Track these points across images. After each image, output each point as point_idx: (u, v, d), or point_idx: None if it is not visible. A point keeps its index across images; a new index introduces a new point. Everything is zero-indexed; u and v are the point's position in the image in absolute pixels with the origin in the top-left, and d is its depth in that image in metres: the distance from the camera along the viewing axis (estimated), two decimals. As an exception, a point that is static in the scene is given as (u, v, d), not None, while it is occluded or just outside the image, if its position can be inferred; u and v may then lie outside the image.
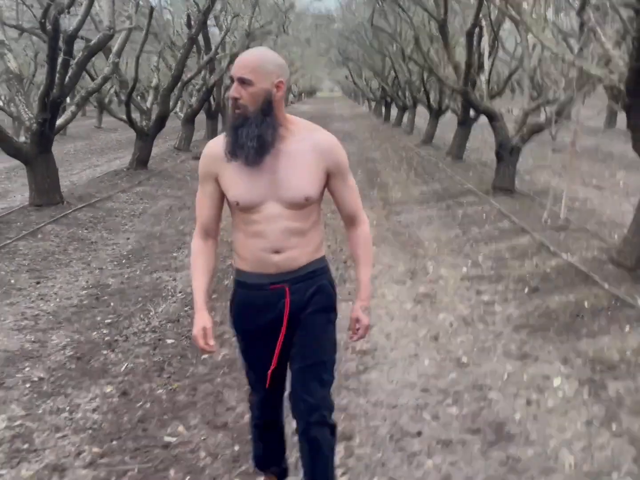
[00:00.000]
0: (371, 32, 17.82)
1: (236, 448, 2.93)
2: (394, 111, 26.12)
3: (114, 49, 8.62)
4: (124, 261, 6.22)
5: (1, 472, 2.78)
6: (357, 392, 3.43)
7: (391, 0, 12.43)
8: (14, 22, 9.65)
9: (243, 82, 1.90)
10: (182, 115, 14.97)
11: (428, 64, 12.32)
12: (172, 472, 2.76)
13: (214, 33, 16.99)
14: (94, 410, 3.32)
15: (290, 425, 2.45)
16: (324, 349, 2.14)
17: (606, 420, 3.07)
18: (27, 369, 3.82)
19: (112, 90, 16.13)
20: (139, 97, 15.28)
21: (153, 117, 11.88)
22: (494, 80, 14.67)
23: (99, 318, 4.66)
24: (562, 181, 7.64)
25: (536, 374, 3.61)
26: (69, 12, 6.66)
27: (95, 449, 2.94)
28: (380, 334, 4.25)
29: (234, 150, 1.95)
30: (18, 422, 3.19)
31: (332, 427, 2.20)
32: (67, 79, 7.39)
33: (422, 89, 16.98)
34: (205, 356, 3.90)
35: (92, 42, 7.30)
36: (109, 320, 4.61)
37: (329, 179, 2.07)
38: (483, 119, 9.56)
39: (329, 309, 2.16)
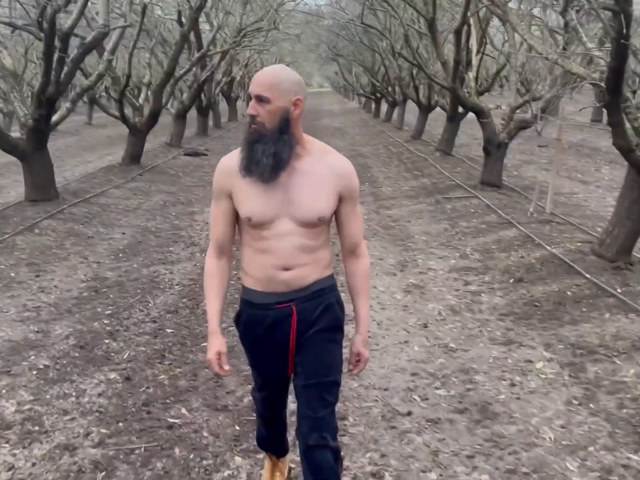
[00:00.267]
0: (361, 29, 17.95)
1: (237, 428, 3.10)
2: (383, 107, 26.28)
3: (108, 46, 8.72)
4: (120, 255, 6.35)
5: (14, 451, 2.93)
6: (350, 376, 3.61)
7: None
8: (6, 20, 9.70)
9: (261, 99, 1.90)
10: (173, 111, 15.06)
11: (417, 61, 12.49)
12: (177, 450, 2.93)
13: (204, 29, 17.08)
14: (99, 394, 3.47)
15: (289, 407, 2.62)
16: (328, 369, 2.10)
17: (585, 400, 3.27)
18: (32, 357, 3.96)
19: (101, 87, 16.17)
20: (129, 94, 15.34)
21: (145, 113, 11.98)
22: (482, 77, 14.90)
23: (99, 309, 4.81)
24: (549, 176, 7.84)
25: (520, 358, 3.81)
26: (67, 11, 6.76)
27: (103, 430, 3.10)
28: (372, 323, 4.42)
29: (249, 166, 1.94)
30: (27, 407, 3.34)
31: (335, 451, 2.10)
32: (62, 76, 7.49)
33: (412, 85, 17.15)
34: (204, 343, 4.07)
35: (87, 39, 7.41)
36: (109, 311, 4.76)
37: (340, 204, 2.04)
38: (472, 115, 9.73)
39: (336, 329, 2.12)
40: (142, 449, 2.93)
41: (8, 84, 7.94)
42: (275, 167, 1.92)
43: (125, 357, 3.95)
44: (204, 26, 16.95)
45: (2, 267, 5.74)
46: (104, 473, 2.76)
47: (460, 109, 12.60)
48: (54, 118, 8.11)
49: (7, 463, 2.84)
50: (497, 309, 4.65)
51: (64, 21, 7.28)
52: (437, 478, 2.69)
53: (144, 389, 3.52)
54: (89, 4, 8.57)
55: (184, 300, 4.96)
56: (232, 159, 2.02)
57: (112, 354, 4.00)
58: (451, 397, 3.37)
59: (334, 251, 2.18)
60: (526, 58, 8.07)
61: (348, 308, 2.21)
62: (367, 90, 30.11)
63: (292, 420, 2.71)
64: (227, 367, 2.10)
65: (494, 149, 8.81)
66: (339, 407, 3.19)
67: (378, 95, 26.47)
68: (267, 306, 2.06)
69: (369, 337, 2.18)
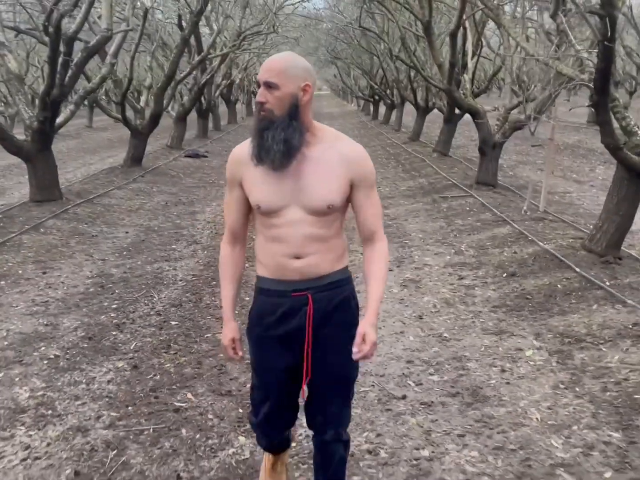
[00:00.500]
0: (359, 32, 18.14)
1: (240, 411, 3.27)
2: (382, 109, 26.48)
3: (111, 50, 8.90)
4: (125, 253, 6.52)
5: (30, 433, 3.10)
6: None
7: (377, 2, 12.75)
8: (10, 24, 9.89)
9: (269, 86, 1.88)
10: (174, 114, 15.24)
11: (414, 64, 12.68)
12: (184, 431, 3.10)
13: (204, 33, 17.28)
14: (108, 382, 3.64)
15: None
16: (345, 367, 2.10)
17: (571, 384, 3.44)
18: (42, 348, 4.13)
19: (101, 90, 16.40)
20: (130, 97, 15.53)
21: (147, 115, 12.16)
22: (481, 79, 15.07)
23: (105, 304, 4.97)
24: (543, 175, 8.01)
25: (510, 346, 3.98)
26: (70, 16, 6.94)
27: (113, 414, 3.27)
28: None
29: (260, 154, 1.93)
30: (40, 393, 3.50)
31: (346, 442, 2.23)
32: (66, 79, 7.67)
33: (410, 88, 17.34)
34: (208, 334, 4.26)
35: (91, 43, 7.58)
36: (115, 306, 4.93)
37: (353, 191, 2.01)
38: (468, 116, 9.92)
39: (351, 326, 2.04)
40: (151, 430, 3.10)
41: (13, 87, 8.11)
42: (286, 153, 1.90)
43: (132, 347, 4.12)
44: (204, 30, 17.15)
45: (10, 264, 5.91)
46: (115, 451, 2.93)
47: (457, 111, 12.79)
48: (58, 120, 8.29)
49: (24, 443, 3.00)
50: (489, 301, 4.82)
51: (68, 26, 7.47)
52: (429, 455, 2.85)
53: (151, 376, 3.69)
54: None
55: (187, 295, 5.13)
56: (243, 148, 2.02)
57: (120, 345, 4.16)
58: (444, 382, 3.54)
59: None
60: (520, 60, 8.24)
61: (363, 302, 2.14)
62: (365, 93, 30.34)
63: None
64: (240, 353, 2.15)
65: (489, 149, 8.99)
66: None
67: (376, 97, 26.68)
68: (283, 293, 2.03)
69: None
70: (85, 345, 4.16)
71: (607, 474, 2.65)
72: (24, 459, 2.88)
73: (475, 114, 9.23)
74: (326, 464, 2.22)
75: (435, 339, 4.16)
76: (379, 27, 16.82)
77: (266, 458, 2.47)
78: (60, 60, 7.37)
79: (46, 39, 7.33)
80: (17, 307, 4.89)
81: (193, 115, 17.71)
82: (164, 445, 2.98)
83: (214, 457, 2.88)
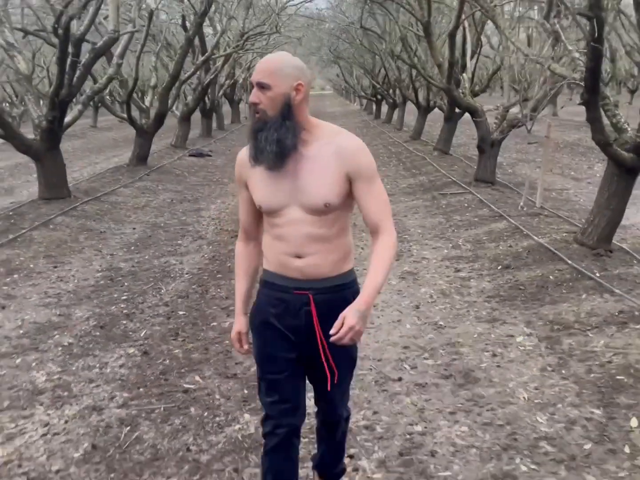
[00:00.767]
0: (361, 32, 18.33)
1: (245, 392, 3.47)
2: (384, 108, 26.68)
3: (118, 51, 9.12)
4: (132, 248, 6.74)
5: (48, 412, 3.31)
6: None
7: (378, 3, 12.94)
8: (18, 25, 10.12)
9: (262, 86, 1.90)
10: (178, 113, 15.46)
11: (414, 63, 12.86)
12: (192, 409, 3.30)
13: (207, 33, 17.50)
14: (120, 366, 3.85)
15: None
16: (346, 367, 2.17)
17: (557, 367, 3.63)
18: (56, 336, 4.34)
19: (106, 91, 16.62)
20: (135, 96, 15.75)
21: (152, 115, 12.38)
22: (483, 78, 15.23)
23: (115, 295, 5.19)
24: (541, 172, 8.19)
25: (502, 333, 4.17)
26: (79, 18, 7.16)
27: (126, 394, 3.48)
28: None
29: (256, 155, 1.97)
30: (56, 376, 3.72)
31: (347, 418, 2.36)
32: (74, 79, 7.89)
33: (411, 87, 17.52)
34: (214, 323, 4.47)
35: (98, 44, 7.80)
36: (125, 297, 5.14)
37: (352, 185, 1.98)
38: (469, 115, 10.10)
39: None
40: (162, 409, 3.31)
41: (23, 87, 8.33)
42: (279, 154, 1.92)
43: (142, 335, 4.33)
44: (207, 30, 17.38)
45: (22, 259, 6.12)
46: (129, 427, 3.14)
47: (458, 110, 12.97)
48: (66, 120, 8.50)
49: (43, 421, 3.22)
50: (484, 292, 5.01)
51: (75, 28, 7.68)
52: (422, 430, 3.05)
53: (160, 361, 3.90)
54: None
55: (194, 287, 5.34)
56: (246, 151, 2.06)
57: (130, 333, 4.37)
58: (438, 366, 3.74)
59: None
60: (517, 59, 8.42)
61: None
62: (368, 92, 30.53)
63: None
64: (246, 347, 2.22)
65: (487, 147, 9.18)
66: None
67: (379, 97, 26.89)
68: (285, 289, 2.06)
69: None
70: (97, 334, 4.37)
71: (587, 446, 2.84)
72: (44, 434, 3.09)
73: (474, 113, 9.42)
74: (330, 437, 2.37)
75: (430, 327, 4.35)
76: (381, 27, 17.00)
77: None
78: (68, 61, 7.58)
79: (55, 40, 7.55)
80: (30, 298, 5.11)
81: (197, 115, 17.93)
82: (174, 422, 3.18)
83: (221, 432, 3.08)
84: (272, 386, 2.14)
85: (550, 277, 5.08)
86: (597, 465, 2.71)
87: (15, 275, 5.63)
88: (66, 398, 3.45)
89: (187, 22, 13.49)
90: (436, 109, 16.56)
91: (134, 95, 12.53)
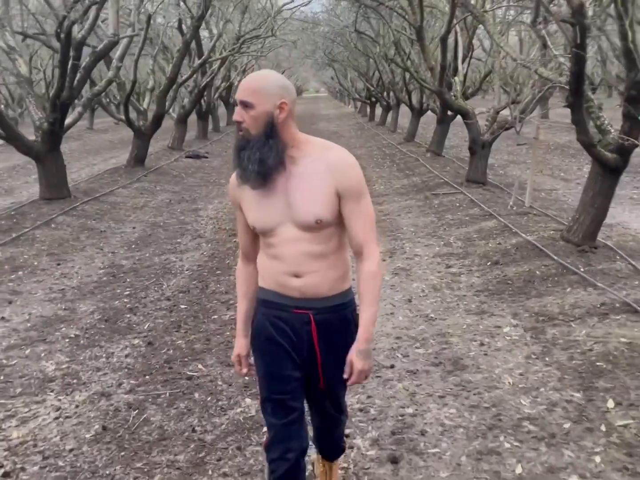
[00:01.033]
0: (355, 35, 18.57)
1: (246, 379, 3.65)
2: (378, 111, 26.91)
3: (117, 54, 9.31)
4: (133, 246, 6.92)
5: (59, 397, 3.49)
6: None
7: (372, 8, 13.17)
8: (19, 29, 10.29)
9: (245, 105, 1.88)
10: (175, 115, 15.64)
11: (407, 67, 13.09)
12: (196, 394, 3.49)
13: (203, 36, 17.69)
14: (126, 356, 4.03)
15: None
16: (342, 386, 2.20)
17: (541, 355, 3.84)
18: (63, 329, 4.53)
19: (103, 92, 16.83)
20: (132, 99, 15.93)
21: (149, 117, 12.56)
22: (476, 81, 15.49)
23: (118, 291, 5.37)
24: (530, 173, 8.42)
25: (490, 324, 4.38)
26: (81, 23, 7.34)
27: (132, 381, 3.67)
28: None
29: (240, 174, 1.96)
30: (65, 366, 3.90)
31: (344, 410, 2.37)
32: (75, 82, 8.07)
33: (405, 90, 17.76)
34: (215, 316, 4.67)
35: (99, 48, 7.98)
36: (128, 292, 5.32)
37: (340, 201, 1.95)
38: (461, 117, 10.32)
39: (350, 343, 2.04)
40: (167, 394, 3.50)
41: (24, 90, 8.50)
42: (262, 173, 1.89)
43: (145, 327, 4.51)
44: (203, 33, 17.56)
45: (25, 256, 6.30)
46: (136, 411, 3.32)
47: (450, 112, 13.20)
48: (67, 121, 8.68)
49: (54, 406, 3.40)
50: (473, 286, 5.22)
51: (76, 32, 7.86)
52: (413, 412, 3.25)
53: (164, 351, 4.09)
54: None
55: (194, 282, 5.53)
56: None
57: (134, 325, 4.56)
58: (428, 354, 3.94)
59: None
60: (507, 63, 8.66)
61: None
62: (362, 95, 30.75)
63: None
64: (245, 370, 2.21)
65: (478, 148, 9.40)
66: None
67: (373, 99, 27.11)
68: (284, 307, 2.04)
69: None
70: (102, 326, 4.56)
71: (566, 425, 3.05)
72: (57, 418, 3.27)
73: (465, 115, 9.64)
74: (325, 426, 2.39)
75: (422, 319, 4.56)
76: (375, 31, 17.23)
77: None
78: (69, 64, 7.76)
79: (56, 44, 7.72)
80: (35, 294, 5.29)
81: (193, 117, 18.11)
82: (179, 406, 3.37)
83: (224, 414, 3.27)
84: (280, 407, 2.08)
85: (537, 272, 5.29)
86: (575, 442, 2.91)
87: (20, 272, 5.80)
88: (75, 385, 3.64)
89: (183, 26, 13.69)
90: (429, 112, 16.79)
91: (132, 97, 12.71)
